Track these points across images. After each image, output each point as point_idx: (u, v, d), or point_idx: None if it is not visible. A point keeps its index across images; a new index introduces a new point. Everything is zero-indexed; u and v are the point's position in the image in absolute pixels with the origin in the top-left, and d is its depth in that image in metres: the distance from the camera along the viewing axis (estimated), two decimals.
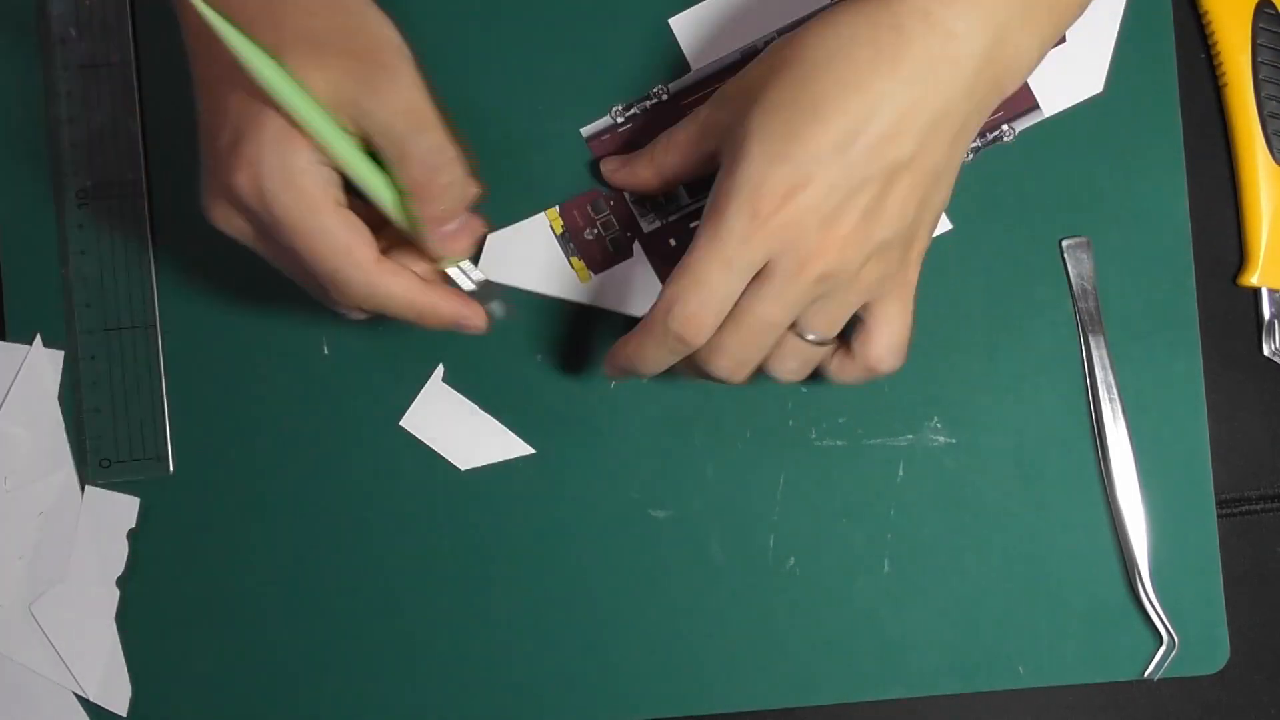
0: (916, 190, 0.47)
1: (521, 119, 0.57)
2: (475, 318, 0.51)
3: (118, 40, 0.58)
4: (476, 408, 0.58)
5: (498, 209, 0.55)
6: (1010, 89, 0.48)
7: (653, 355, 0.49)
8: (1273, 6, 0.58)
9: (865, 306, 0.50)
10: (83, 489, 0.57)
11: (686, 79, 0.57)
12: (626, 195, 0.57)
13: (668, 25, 0.58)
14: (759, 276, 0.47)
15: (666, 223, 0.57)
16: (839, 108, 0.45)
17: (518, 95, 0.57)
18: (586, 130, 0.57)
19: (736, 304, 0.48)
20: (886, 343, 0.50)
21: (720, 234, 0.46)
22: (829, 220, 0.46)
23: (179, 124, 0.58)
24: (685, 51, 0.57)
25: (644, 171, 0.55)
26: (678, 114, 0.54)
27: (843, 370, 0.51)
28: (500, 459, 0.58)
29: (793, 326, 0.49)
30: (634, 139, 0.57)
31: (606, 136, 0.57)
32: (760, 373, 0.51)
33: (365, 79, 0.45)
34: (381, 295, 0.48)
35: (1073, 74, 0.58)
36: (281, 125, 0.45)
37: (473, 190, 0.49)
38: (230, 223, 0.48)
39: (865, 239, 0.47)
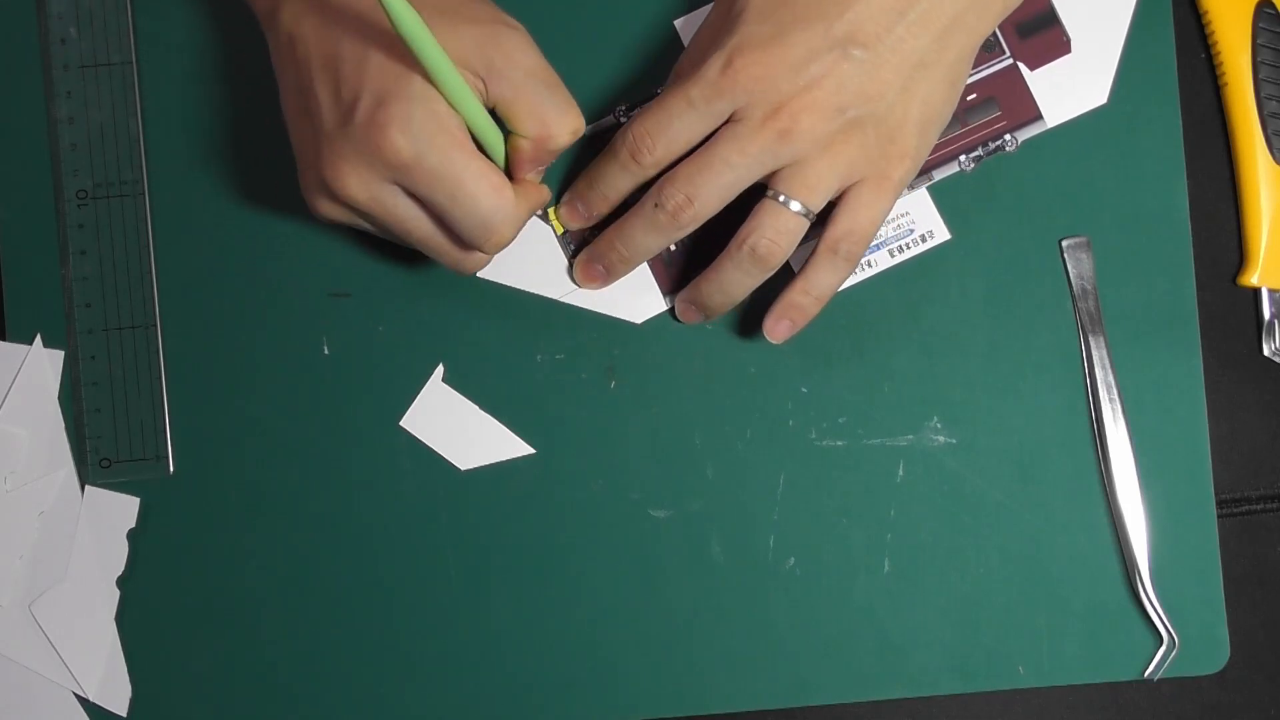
0: (898, 73, 0.49)
1: None
2: (543, 193, 0.53)
3: (118, 40, 0.58)
4: (476, 408, 0.58)
5: None
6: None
7: (609, 176, 0.53)
8: (1273, 6, 0.58)
9: (841, 191, 0.51)
10: (83, 489, 0.57)
11: None
12: None
13: (673, 27, 0.58)
14: (726, 123, 0.50)
15: None
16: None
17: None
18: (589, 129, 0.57)
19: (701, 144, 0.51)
20: (848, 222, 0.51)
21: (693, 77, 0.50)
22: (801, 83, 0.48)
23: (179, 124, 0.58)
24: None
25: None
26: None
27: (810, 256, 0.52)
28: (500, 459, 0.58)
29: (770, 191, 0.51)
30: None
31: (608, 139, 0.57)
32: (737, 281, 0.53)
33: (496, 42, 0.49)
34: (522, 218, 0.50)
35: (1077, 85, 0.58)
36: (424, 83, 0.47)
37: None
38: (366, 190, 0.49)
39: (834, 108, 0.49)
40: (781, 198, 0.50)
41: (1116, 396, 0.58)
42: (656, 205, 0.51)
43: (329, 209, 0.50)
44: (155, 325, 0.58)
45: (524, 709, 0.58)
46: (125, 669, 0.57)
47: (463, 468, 0.58)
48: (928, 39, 0.49)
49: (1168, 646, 0.57)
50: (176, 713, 0.57)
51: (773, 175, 0.51)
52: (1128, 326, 0.58)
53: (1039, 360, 0.58)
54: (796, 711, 0.58)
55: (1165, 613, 0.57)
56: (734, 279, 0.53)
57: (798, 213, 0.51)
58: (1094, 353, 0.58)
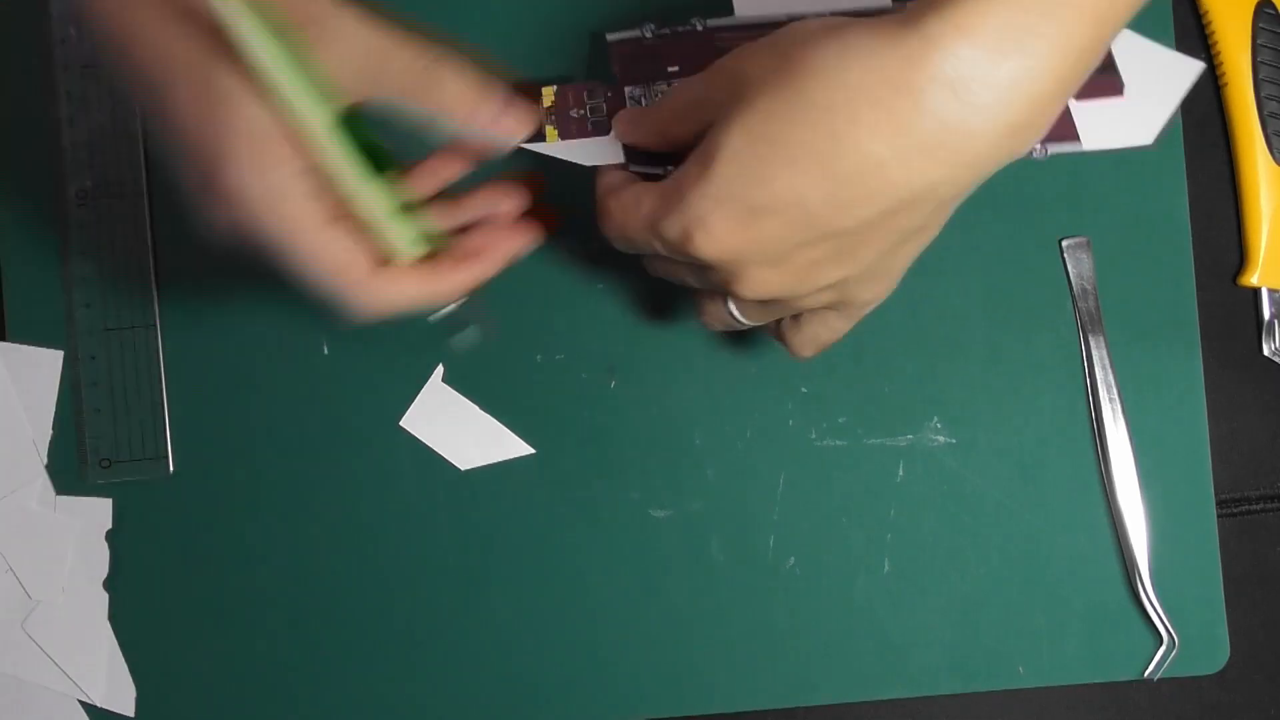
0: (884, 243, 0.43)
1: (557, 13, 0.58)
2: (485, 270, 0.49)
3: None
4: (476, 408, 0.58)
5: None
6: (1020, 154, 0.43)
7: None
8: (1273, 6, 0.58)
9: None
10: (55, 497, 0.57)
11: (726, 19, 0.56)
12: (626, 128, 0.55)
13: None
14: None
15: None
16: (820, 159, 0.40)
17: None
18: (613, 36, 0.55)
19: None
20: (811, 336, 0.49)
21: (669, 210, 0.44)
22: (775, 260, 0.43)
23: None
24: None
25: (647, 133, 0.51)
26: (709, 51, 0.53)
27: (764, 331, 0.51)
28: (500, 459, 0.58)
29: (724, 298, 0.48)
30: (656, 53, 0.56)
31: (628, 48, 0.56)
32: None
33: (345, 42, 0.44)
34: (385, 303, 0.46)
35: (1126, 123, 0.56)
36: (257, 137, 0.42)
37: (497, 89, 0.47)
38: (229, 240, 0.45)
39: (811, 280, 0.44)
40: (740, 317, 0.48)
41: (1116, 396, 0.58)
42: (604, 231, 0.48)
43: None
44: (155, 325, 0.58)
45: (524, 709, 0.58)
46: (127, 670, 0.57)
47: (462, 468, 0.58)
48: (922, 216, 0.43)
49: (1168, 646, 0.57)
50: (182, 711, 0.57)
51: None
52: (1128, 326, 0.58)
53: (1039, 360, 0.58)
54: (797, 711, 0.58)
55: (1165, 613, 0.57)
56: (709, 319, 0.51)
57: (741, 321, 0.49)
58: (1094, 353, 0.58)
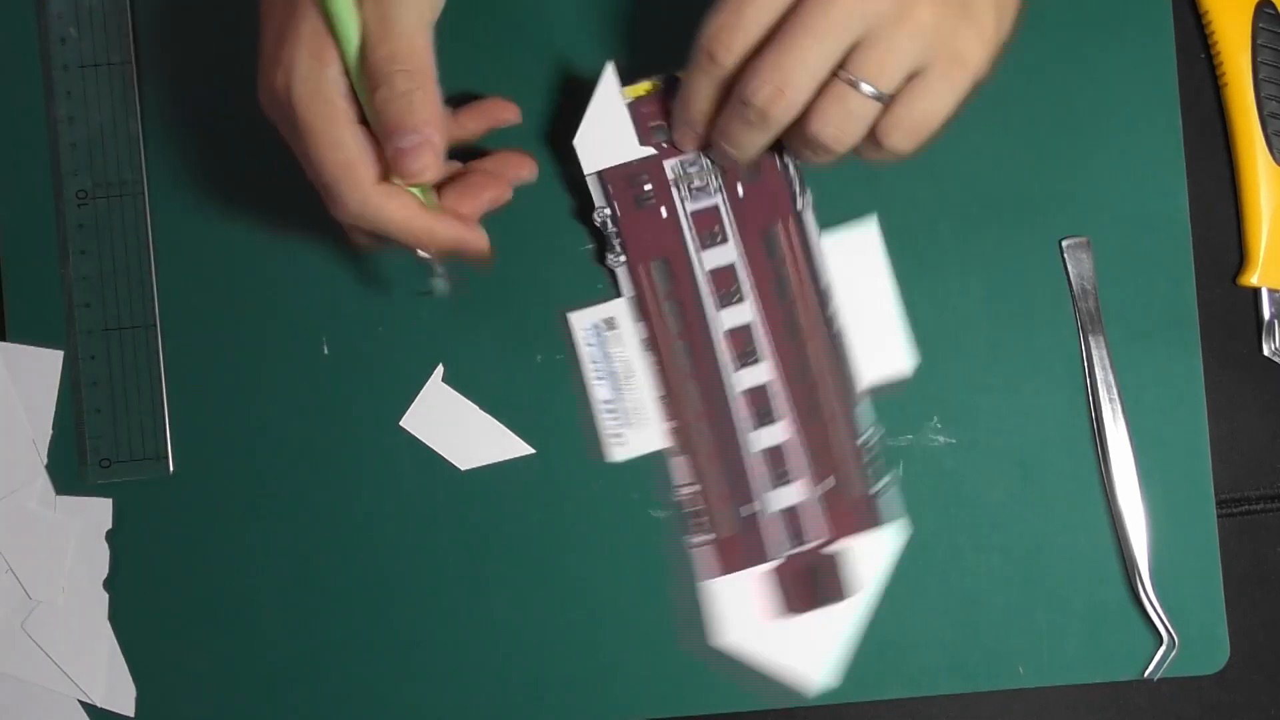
0: None
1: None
2: (476, 241, 0.52)
3: (118, 40, 0.58)
4: (476, 408, 0.58)
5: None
6: None
7: (694, 87, 0.51)
8: (1273, 6, 0.58)
9: (911, 77, 0.48)
10: (55, 497, 0.57)
11: None
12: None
13: None
14: (799, 5, 0.47)
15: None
16: None
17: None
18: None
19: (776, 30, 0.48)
20: (911, 115, 0.49)
21: None
22: None
23: (179, 124, 0.58)
24: None
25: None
26: None
27: (867, 144, 0.50)
28: (500, 459, 0.58)
29: (841, 73, 0.48)
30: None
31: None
32: (809, 136, 0.50)
33: None
34: (373, 214, 0.49)
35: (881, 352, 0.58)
36: (317, 30, 0.47)
37: (427, 124, 0.48)
38: (271, 113, 0.50)
39: None
40: (852, 78, 0.48)
41: (1116, 396, 0.58)
42: (745, 103, 0.49)
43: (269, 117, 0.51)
44: (155, 325, 0.58)
45: (524, 709, 0.57)
46: (127, 670, 0.57)
47: (463, 468, 0.58)
48: None
49: (1168, 646, 0.57)
50: (182, 711, 0.57)
51: (846, 56, 0.48)
52: (1128, 326, 0.58)
53: (1039, 360, 0.58)
54: (797, 711, 0.58)
55: (1165, 613, 0.57)
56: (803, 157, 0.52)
57: (870, 96, 0.48)
58: (1094, 353, 0.58)
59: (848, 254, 0.57)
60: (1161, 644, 0.57)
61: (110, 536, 0.57)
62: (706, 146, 0.54)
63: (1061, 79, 0.58)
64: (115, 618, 0.57)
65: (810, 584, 0.57)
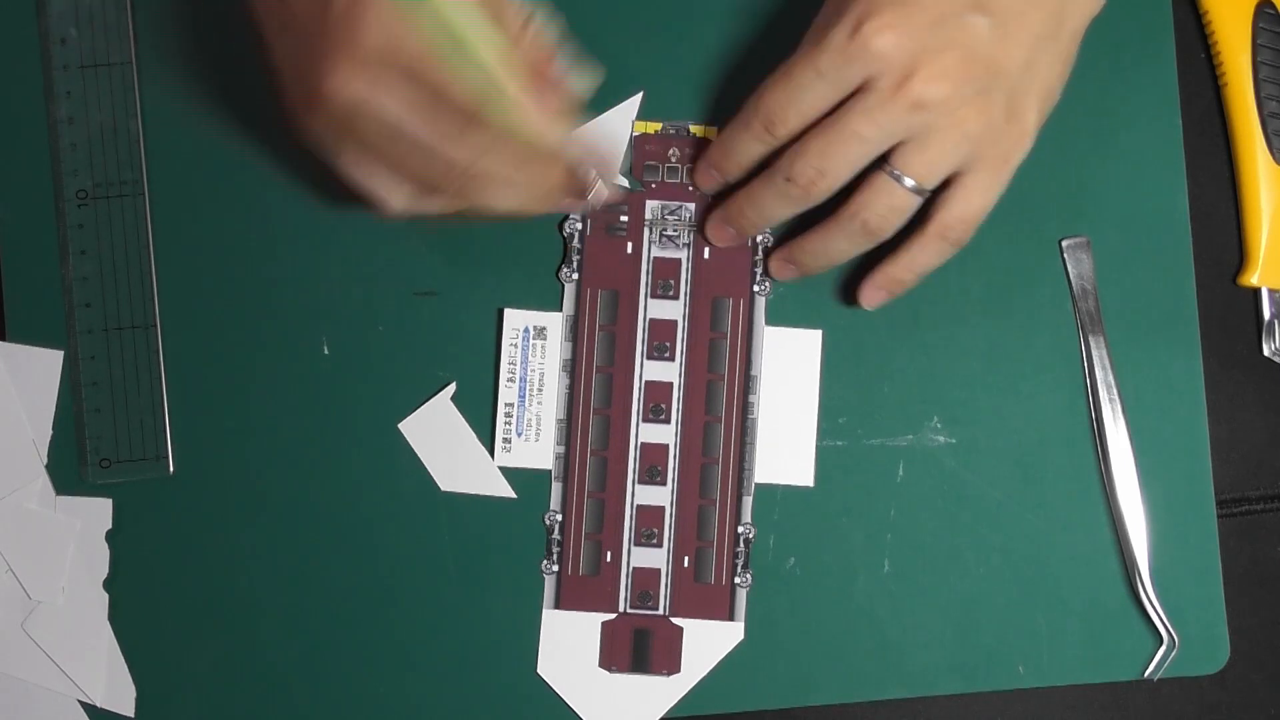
0: (1022, 46, 0.49)
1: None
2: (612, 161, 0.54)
3: (118, 40, 0.58)
4: (474, 437, 0.57)
5: None
6: None
7: (738, 144, 0.52)
8: (1273, 6, 0.58)
9: (957, 173, 0.51)
10: (55, 497, 0.57)
11: None
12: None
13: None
14: (855, 93, 0.49)
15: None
16: None
17: None
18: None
19: (828, 114, 0.50)
20: (961, 209, 0.51)
21: (819, 44, 0.49)
22: (932, 50, 0.48)
23: (179, 124, 0.58)
24: None
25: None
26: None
27: (917, 235, 0.52)
28: (479, 493, 0.57)
29: (887, 167, 0.50)
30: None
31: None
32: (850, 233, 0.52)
33: None
34: (530, 125, 0.48)
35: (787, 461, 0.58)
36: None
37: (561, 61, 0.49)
38: (350, 86, 0.46)
39: (964, 77, 0.48)
40: (897, 173, 0.50)
41: (1116, 396, 0.58)
42: (788, 179, 0.51)
43: (317, 122, 0.47)
44: (155, 325, 0.58)
45: (524, 709, 0.57)
46: (127, 670, 0.57)
47: (443, 488, 0.57)
48: (1046, 12, 0.49)
49: (1168, 646, 0.57)
50: (182, 711, 0.57)
51: (893, 149, 0.50)
52: (1128, 326, 0.58)
53: (1039, 360, 0.58)
54: (797, 711, 0.58)
55: (1165, 613, 0.57)
56: (840, 247, 0.53)
57: (911, 189, 0.50)
58: (1094, 353, 0.58)
59: (787, 352, 0.57)
60: (1161, 644, 0.57)
61: (110, 536, 0.57)
62: (718, 193, 0.56)
63: None
64: (115, 618, 0.57)
65: (638, 647, 0.57)
